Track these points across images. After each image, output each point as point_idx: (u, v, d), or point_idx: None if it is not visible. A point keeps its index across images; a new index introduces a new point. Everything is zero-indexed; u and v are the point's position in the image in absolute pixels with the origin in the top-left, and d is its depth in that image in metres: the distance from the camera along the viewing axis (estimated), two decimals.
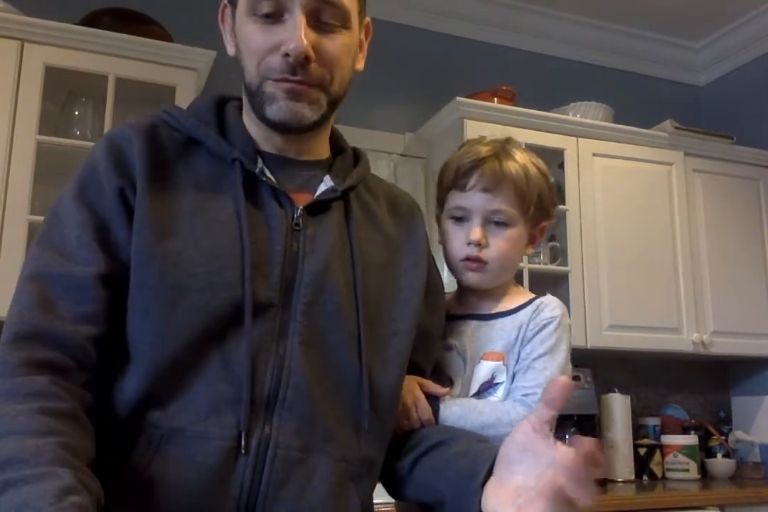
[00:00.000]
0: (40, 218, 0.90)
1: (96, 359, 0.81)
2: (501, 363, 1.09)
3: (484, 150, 1.13)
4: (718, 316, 2.84)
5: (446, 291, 1.14)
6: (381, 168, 2.72)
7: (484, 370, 1.09)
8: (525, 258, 2.38)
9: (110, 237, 0.84)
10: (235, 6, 0.91)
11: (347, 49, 0.90)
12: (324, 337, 0.86)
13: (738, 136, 3.06)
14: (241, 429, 0.79)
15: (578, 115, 2.85)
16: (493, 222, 1.11)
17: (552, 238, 2.68)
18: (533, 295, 1.16)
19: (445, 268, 1.16)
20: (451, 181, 1.14)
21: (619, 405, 2.72)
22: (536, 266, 2.61)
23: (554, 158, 2.65)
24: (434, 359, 1.06)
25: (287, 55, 0.84)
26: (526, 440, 0.74)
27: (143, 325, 0.82)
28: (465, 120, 2.58)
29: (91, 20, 2.26)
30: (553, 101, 2.92)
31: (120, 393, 0.82)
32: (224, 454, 0.79)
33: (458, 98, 2.60)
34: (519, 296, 1.15)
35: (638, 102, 3.27)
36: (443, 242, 1.16)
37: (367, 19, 0.98)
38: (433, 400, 1.02)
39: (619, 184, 2.78)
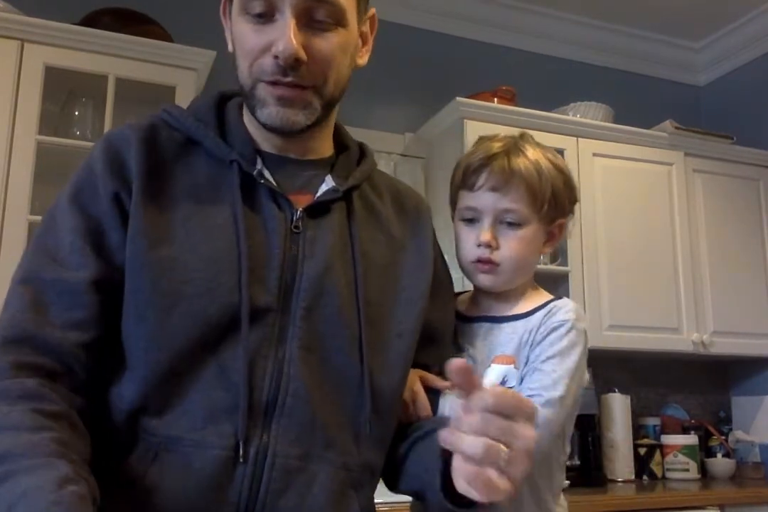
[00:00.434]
0: (40, 218, 0.90)
1: (89, 364, 0.80)
2: (512, 366, 1.06)
3: (494, 147, 1.09)
4: (718, 316, 2.84)
5: (461, 290, 1.12)
6: (381, 168, 2.71)
7: (494, 374, 1.06)
8: None
9: (104, 241, 0.83)
10: (232, 2, 0.89)
11: (342, 48, 0.87)
12: (324, 342, 0.84)
13: (738, 136, 3.05)
14: (239, 437, 0.78)
15: (578, 115, 2.85)
16: (505, 222, 1.07)
17: None
18: (550, 297, 1.12)
19: (459, 269, 1.14)
20: (460, 180, 1.11)
21: (619, 405, 2.72)
22: (536, 266, 2.60)
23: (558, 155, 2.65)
24: (446, 358, 1.05)
25: (277, 56, 0.82)
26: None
27: (138, 331, 0.81)
28: (465, 120, 2.58)
29: (91, 20, 2.26)
30: (553, 101, 2.91)
31: (118, 399, 0.81)
32: (222, 463, 0.77)
33: (458, 98, 2.60)
34: (535, 299, 1.12)
35: (638, 102, 3.27)
36: (455, 244, 1.12)
37: (372, 10, 0.95)
38: (434, 394, 1.00)
39: (619, 184, 2.78)
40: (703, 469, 2.86)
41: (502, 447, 0.62)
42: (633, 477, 2.68)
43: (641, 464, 2.76)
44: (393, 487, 0.97)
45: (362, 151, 1.02)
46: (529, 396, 0.99)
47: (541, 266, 2.60)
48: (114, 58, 2.17)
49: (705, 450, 2.94)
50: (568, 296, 2.55)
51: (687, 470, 2.78)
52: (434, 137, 2.81)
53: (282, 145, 0.92)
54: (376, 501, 0.93)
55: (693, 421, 3.01)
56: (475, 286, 1.14)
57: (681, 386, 3.13)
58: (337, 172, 0.94)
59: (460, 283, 1.15)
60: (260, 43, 0.84)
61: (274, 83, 0.84)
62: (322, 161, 0.95)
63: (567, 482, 1.15)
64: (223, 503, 0.77)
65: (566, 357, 1.02)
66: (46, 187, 1.97)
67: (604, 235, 2.71)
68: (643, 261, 2.75)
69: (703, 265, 2.86)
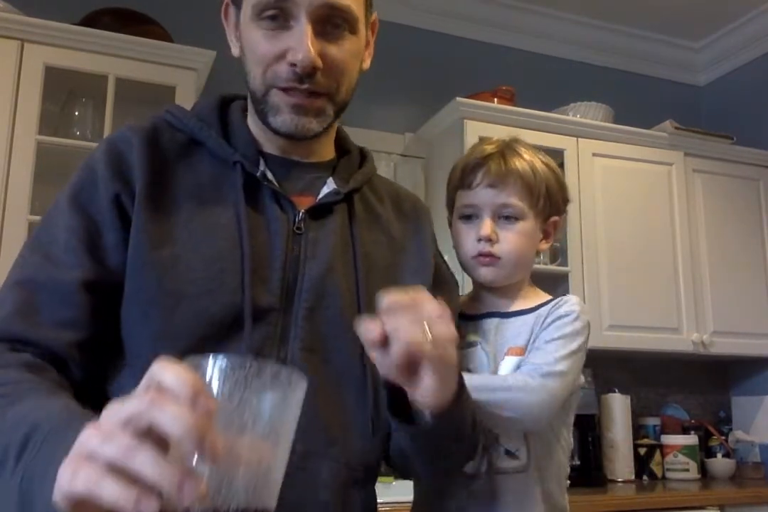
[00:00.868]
0: (40, 218, 0.90)
1: (84, 362, 0.80)
2: (524, 357, 1.08)
3: (489, 148, 1.14)
4: (718, 316, 2.84)
5: (460, 293, 1.13)
6: (381, 168, 2.68)
7: (508, 365, 1.08)
8: None
9: (100, 241, 0.83)
10: (238, 7, 0.90)
11: (354, 55, 0.89)
12: (326, 342, 0.85)
13: (738, 136, 3.06)
14: None
15: (578, 115, 2.84)
16: (503, 216, 1.11)
17: None
18: (551, 297, 1.15)
19: (460, 270, 1.15)
20: (458, 180, 1.15)
21: (619, 405, 2.72)
22: (536, 266, 2.58)
23: (554, 158, 2.61)
24: None
25: (294, 64, 0.83)
26: None
27: (141, 329, 0.81)
28: (465, 120, 2.57)
29: (91, 20, 2.26)
30: (553, 101, 2.91)
31: (120, 394, 0.81)
32: None
33: (458, 98, 2.60)
34: (537, 297, 1.15)
35: (638, 102, 3.27)
36: (455, 243, 1.15)
37: (374, 15, 0.97)
38: None
39: (619, 184, 2.78)
40: (703, 469, 2.86)
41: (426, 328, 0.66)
42: (633, 477, 2.68)
43: (641, 464, 2.76)
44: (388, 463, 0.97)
45: (363, 155, 1.03)
46: (531, 369, 1.02)
47: (541, 266, 2.61)
48: (114, 58, 2.17)
49: (705, 450, 2.93)
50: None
51: (687, 470, 2.78)
52: (434, 137, 2.81)
53: (286, 148, 0.93)
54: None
55: (693, 421, 3.01)
56: (475, 284, 1.17)
57: (681, 386, 3.13)
58: (338, 175, 0.95)
59: (460, 284, 1.15)
60: (274, 50, 0.84)
61: (288, 90, 0.85)
62: (324, 164, 0.96)
63: (567, 482, 1.15)
64: None
65: (570, 342, 1.04)
66: (46, 187, 1.97)
67: (604, 235, 2.71)
68: (643, 261, 2.75)
69: (703, 265, 2.86)
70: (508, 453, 1.04)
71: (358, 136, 1.07)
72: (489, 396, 0.98)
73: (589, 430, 2.55)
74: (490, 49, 3.15)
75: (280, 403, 0.51)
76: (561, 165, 2.72)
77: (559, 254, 2.68)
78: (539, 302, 1.12)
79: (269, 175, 0.89)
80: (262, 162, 0.90)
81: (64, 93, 2.22)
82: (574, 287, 2.62)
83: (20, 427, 0.63)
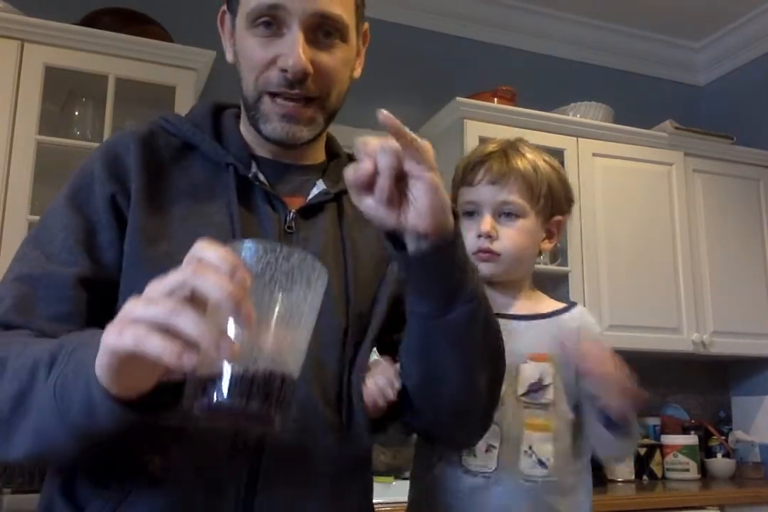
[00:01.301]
0: (39, 217, 0.92)
1: None
2: (548, 364, 1.10)
3: (492, 147, 1.16)
4: (718, 316, 2.84)
5: None
6: None
7: (530, 370, 1.09)
8: None
9: (96, 240, 0.85)
10: (234, 14, 0.92)
11: (345, 63, 0.91)
12: (316, 339, 0.86)
13: (738, 136, 3.06)
14: (236, 428, 0.79)
15: (578, 115, 2.84)
16: (504, 213, 1.13)
17: None
18: (559, 303, 1.17)
19: None
20: (460, 177, 1.17)
21: None
22: (536, 266, 2.59)
23: (554, 158, 2.65)
24: None
25: (285, 70, 0.85)
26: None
27: None
28: (465, 120, 2.58)
29: (91, 20, 2.26)
30: (553, 101, 2.91)
31: None
32: (219, 454, 0.78)
33: (458, 98, 2.60)
34: (543, 300, 1.17)
35: (638, 102, 3.27)
36: None
37: (366, 25, 0.99)
38: None
39: (619, 184, 2.78)
40: (703, 469, 2.86)
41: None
42: (633, 477, 2.68)
43: (641, 464, 2.76)
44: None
45: (351, 160, 1.04)
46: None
47: (541, 266, 2.60)
48: (114, 58, 2.17)
49: (705, 450, 2.93)
50: (568, 296, 2.56)
51: (687, 470, 2.78)
52: (434, 137, 2.80)
53: (277, 152, 0.95)
54: (376, 501, 0.94)
55: (693, 421, 3.01)
56: None
57: (681, 386, 3.13)
58: (328, 177, 0.97)
59: None
60: (267, 57, 0.87)
61: (279, 95, 0.87)
62: (315, 167, 0.99)
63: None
64: (223, 493, 0.78)
65: None
66: (46, 187, 1.97)
67: (604, 235, 2.71)
68: (643, 261, 2.75)
69: (703, 265, 2.86)
70: (541, 462, 1.07)
71: (358, 136, 1.07)
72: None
73: None
74: (490, 49, 3.15)
75: (305, 285, 0.58)
76: (561, 165, 2.71)
77: (559, 254, 2.68)
78: (550, 308, 1.14)
79: (261, 177, 0.92)
80: (254, 164, 0.93)
81: (64, 93, 2.22)
82: (574, 287, 2.62)
83: (44, 351, 0.68)
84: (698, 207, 2.91)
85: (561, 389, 1.11)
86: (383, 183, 0.69)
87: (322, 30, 0.87)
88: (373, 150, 0.70)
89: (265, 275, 0.56)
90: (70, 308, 0.82)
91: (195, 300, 0.54)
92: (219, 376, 0.54)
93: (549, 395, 1.09)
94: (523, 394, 1.08)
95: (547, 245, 1.19)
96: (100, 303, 0.84)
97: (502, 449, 1.06)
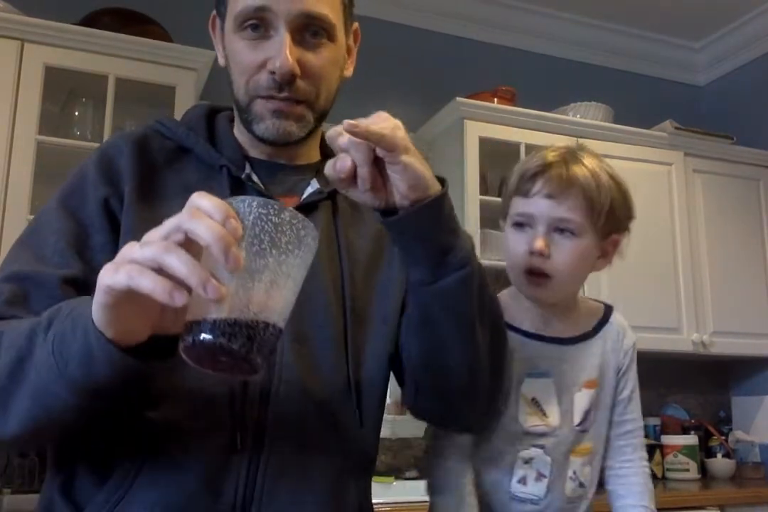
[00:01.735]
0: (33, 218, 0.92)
1: None
2: (596, 390, 1.08)
3: (551, 155, 1.05)
4: (718, 316, 2.84)
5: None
6: None
7: (584, 399, 1.06)
8: None
9: (88, 242, 0.86)
10: (223, 18, 0.93)
11: (333, 63, 0.91)
12: (313, 335, 0.86)
13: (738, 136, 3.06)
14: (235, 426, 0.79)
15: (578, 115, 2.85)
16: (559, 230, 1.02)
17: None
18: (598, 305, 1.15)
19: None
20: (515, 186, 1.06)
21: None
22: None
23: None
24: None
25: (273, 72, 0.86)
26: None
27: None
28: (465, 120, 2.57)
29: (91, 20, 2.26)
30: (553, 101, 2.92)
31: None
32: (219, 451, 0.79)
33: (458, 98, 2.60)
34: (589, 310, 1.13)
35: (638, 102, 3.27)
36: (505, 250, 1.08)
37: (355, 25, 0.99)
38: None
39: None
40: (703, 469, 2.86)
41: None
42: None
43: None
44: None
45: None
46: (635, 429, 1.13)
47: None
48: (114, 58, 2.17)
49: (705, 450, 2.94)
50: None
51: (687, 470, 2.78)
52: (434, 137, 2.80)
53: (271, 152, 0.95)
54: (376, 501, 0.94)
55: (693, 421, 3.01)
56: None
57: (681, 386, 3.13)
58: (322, 176, 0.97)
59: None
60: (256, 60, 0.88)
61: (269, 98, 0.88)
62: (309, 166, 0.99)
63: None
64: (220, 491, 0.78)
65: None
66: (46, 187, 1.98)
67: None
68: (643, 261, 2.75)
69: (703, 265, 2.87)
70: (581, 485, 1.07)
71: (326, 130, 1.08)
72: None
73: None
74: (490, 49, 3.15)
75: (294, 239, 0.60)
76: None
77: None
78: (595, 320, 1.11)
79: (254, 178, 0.92)
80: (247, 166, 0.93)
81: (64, 93, 2.22)
82: None
83: (41, 318, 0.70)
84: (698, 207, 2.91)
85: (603, 410, 1.10)
86: (363, 174, 0.71)
87: (309, 30, 0.88)
88: (345, 145, 0.70)
89: (256, 227, 0.59)
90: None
91: (190, 247, 0.57)
92: (206, 318, 0.56)
93: (591, 417, 1.08)
94: (579, 424, 1.06)
95: (602, 265, 1.09)
96: None
97: (551, 477, 1.04)
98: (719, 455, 2.92)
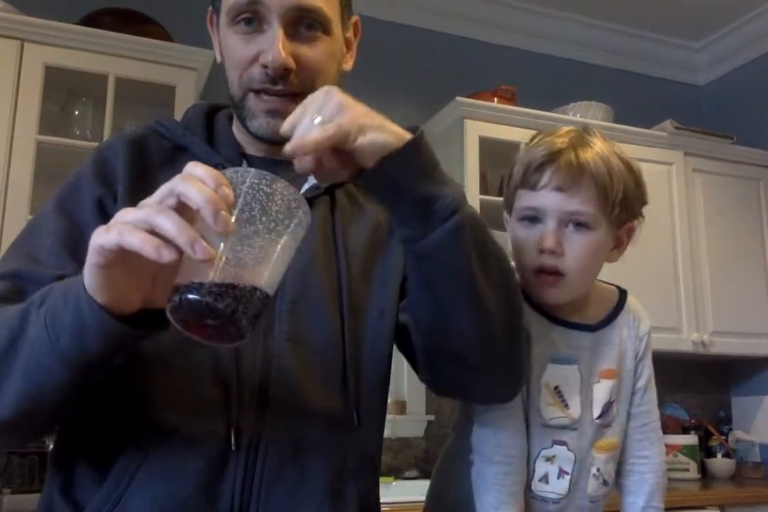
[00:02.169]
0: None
1: None
2: (615, 381, 1.04)
3: (559, 141, 0.96)
4: (718, 316, 2.84)
5: None
6: None
7: (603, 390, 1.02)
8: None
9: (82, 242, 0.84)
10: (218, 13, 0.92)
11: (330, 56, 0.90)
12: (310, 333, 0.86)
13: (738, 136, 3.06)
14: (231, 427, 0.79)
15: (578, 115, 2.84)
16: (571, 225, 0.94)
17: None
18: (612, 290, 1.08)
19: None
20: (520, 178, 0.97)
21: None
22: None
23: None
24: None
25: (266, 66, 0.85)
26: None
27: None
28: (465, 120, 2.57)
29: (91, 20, 2.26)
30: (554, 101, 2.91)
31: (107, 390, 0.81)
32: (215, 452, 0.78)
33: (458, 98, 2.60)
34: (602, 296, 1.06)
35: (638, 102, 3.27)
36: (512, 247, 1.00)
37: (355, 18, 0.98)
38: None
39: None
40: (703, 469, 2.85)
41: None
42: None
43: None
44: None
45: None
46: (651, 422, 1.15)
47: None
48: (114, 57, 2.17)
49: (705, 450, 2.93)
50: None
51: (687, 470, 2.77)
52: (434, 137, 2.80)
53: (268, 149, 0.94)
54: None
55: (693, 421, 3.01)
56: None
57: (681, 386, 3.12)
58: None
59: None
60: (249, 54, 0.87)
61: (262, 91, 0.87)
62: None
63: None
64: (217, 492, 0.78)
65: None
66: (46, 187, 1.97)
67: None
68: (643, 261, 2.75)
69: (703, 265, 2.86)
70: (605, 482, 1.05)
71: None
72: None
73: None
74: (490, 49, 3.15)
75: (284, 210, 0.61)
76: None
77: None
78: (610, 306, 1.05)
79: None
80: (244, 163, 0.93)
81: (64, 93, 2.22)
82: None
83: (34, 297, 0.71)
84: (698, 207, 2.91)
85: (625, 403, 1.06)
86: (331, 166, 0.72)
87: (303, 23, 0.87)
88: (306, 154, 0.70)
89: (248, 196, 0.61)
90: None
91: (183, 213, 0.59)
92: (194, 280, 0.57)
93: (614, 411, 1.03)
94: (599, 417, 1.01)
95: (616, 255, 1.03)
96: None
97: (574, 474, 1.00)
98: (719, 455, 2.92)
